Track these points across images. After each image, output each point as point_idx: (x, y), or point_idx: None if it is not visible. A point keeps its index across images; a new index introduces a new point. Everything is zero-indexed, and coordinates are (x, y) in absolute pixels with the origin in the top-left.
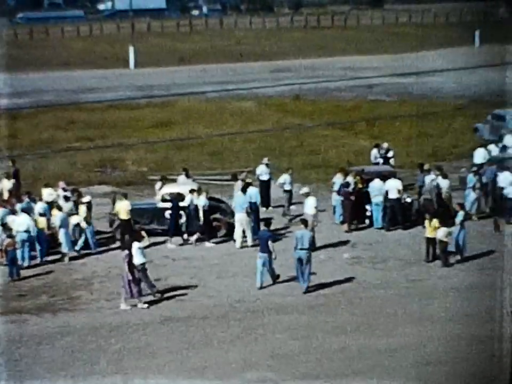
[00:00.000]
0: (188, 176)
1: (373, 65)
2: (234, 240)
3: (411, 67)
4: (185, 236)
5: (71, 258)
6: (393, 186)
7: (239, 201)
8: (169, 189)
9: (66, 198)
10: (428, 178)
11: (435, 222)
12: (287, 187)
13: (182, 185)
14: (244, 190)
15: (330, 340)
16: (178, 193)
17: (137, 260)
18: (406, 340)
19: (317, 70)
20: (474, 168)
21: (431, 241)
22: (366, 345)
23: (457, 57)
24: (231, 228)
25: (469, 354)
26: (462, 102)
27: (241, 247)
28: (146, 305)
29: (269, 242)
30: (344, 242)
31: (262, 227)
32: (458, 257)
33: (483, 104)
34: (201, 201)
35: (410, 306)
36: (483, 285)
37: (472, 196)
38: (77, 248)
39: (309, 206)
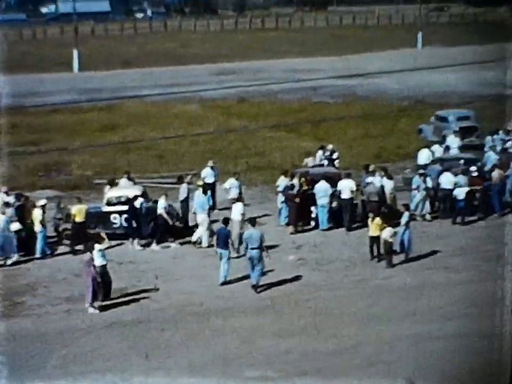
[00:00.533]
0: (130, 179)
1: (318, 67)
2: (189, 242)
3: (355, 69)
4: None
5: (14, 264)
6: (346, 186)
7: (200, 202)
8: (115, 192)
9: (7, 204)
10: (371, 179)
11: (378, 220)
12: (234, 191)
13: (127, 188)
14: (204, 191)
15: (276, 342)
16: (135, 196)
17: (98, 261)
18: (352, 341)
19: (261, 72)
20: (421, 171)
21: (374, 240)
22: (312, 347)
23: (400, 58)
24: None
25: (413, 354)
26: (406, 103)
27: (208, 246)
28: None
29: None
30: (290, 244)
31: (220, 224)
32: (403, 257)
33: (427, 105)
34: (161, 204)
35: (356, 307)
36: (427, 285)
37: (418, 197)
38: (38, 254)
39: (236, 212)
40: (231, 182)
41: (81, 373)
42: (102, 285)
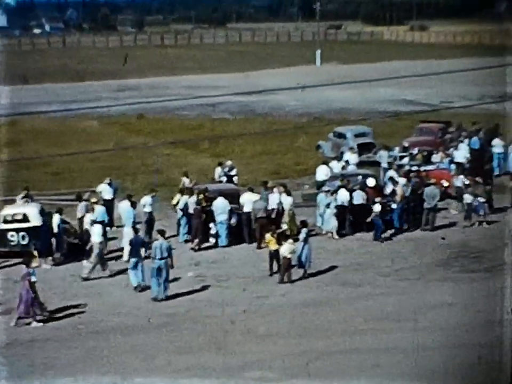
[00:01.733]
0: (27, 196)
1: (217, 83)
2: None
3: (255, 85)
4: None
5: None
6: (249, 200)
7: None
8: (11, 210)
9: None
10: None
11: (268, 237)
12: (147, 209)
13: (24, 206)
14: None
15: (175, 359)
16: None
17: (33, 277)
18: (252, 357)
19: (161, 89)
20: (327, 188)
21: (273, 255)
22: (211, 364)
23: (299, 75)
24: (74, 248)
25: (314, 369)
26: (305, 120)
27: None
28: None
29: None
30: (189, 261)
31: (134, 234)
32: (302, 273)
33: (325, 121)
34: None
35: (255, 323)
36: (326, 300)
37: (328, 213)
38: None
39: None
40: (146, 200)
41: None
42: (37, 299)
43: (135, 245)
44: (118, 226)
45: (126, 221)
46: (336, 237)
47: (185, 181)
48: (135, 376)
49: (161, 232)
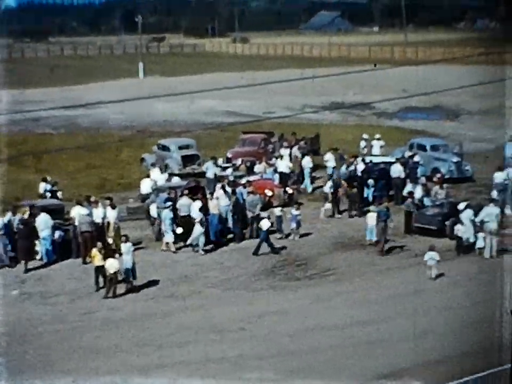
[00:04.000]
0: None
1: (40, 98)
2: None
3: (78, 99)
4: None
5: None
6: (78, 214)
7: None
8: None
9: None
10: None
11: (94, 252)
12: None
13: None
14: None
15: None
16: None
17: None
18: (83, 373)
19: None
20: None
21: (99, 270)
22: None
23: (123, 88)
24: None
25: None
26: (129, 133)
27: None
28: None
29: None
30: (13, 279)
31: None
32: (129, 286)
33: (149, 134)
34: None
35: (84, 339)
36: (153, 314)
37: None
38: None
39: None
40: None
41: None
42: None
43: None
44: None
45: None
46: (173, 249)
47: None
48: None
49: None
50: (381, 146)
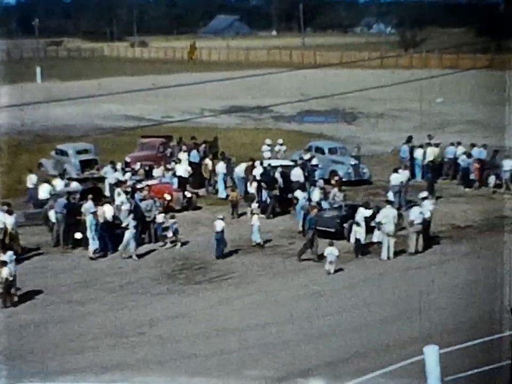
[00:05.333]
0: None
1: None
2: None
3: None
4: None
5: None
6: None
7: None
8: None
9: None
10: None
11: None
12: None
13: None
14: None
15: None
16: None
17: None
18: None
19: None
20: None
21: None
22: None
23: (20, 93)
24: None
25: None
26: (26, 138)
27: None
28: None
29: None
30: None
31: None
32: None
33: (47, 139)
34: None
35: None
36: (52, 320)
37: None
38: None
39: None
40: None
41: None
42: None
43: None
44: None
45: None
46: (91, 254)
47: None
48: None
49: None
50: (284, 151)
